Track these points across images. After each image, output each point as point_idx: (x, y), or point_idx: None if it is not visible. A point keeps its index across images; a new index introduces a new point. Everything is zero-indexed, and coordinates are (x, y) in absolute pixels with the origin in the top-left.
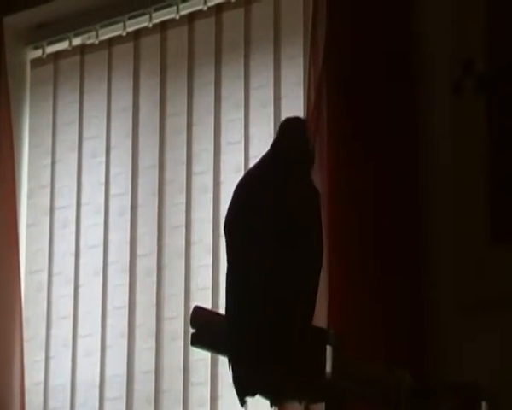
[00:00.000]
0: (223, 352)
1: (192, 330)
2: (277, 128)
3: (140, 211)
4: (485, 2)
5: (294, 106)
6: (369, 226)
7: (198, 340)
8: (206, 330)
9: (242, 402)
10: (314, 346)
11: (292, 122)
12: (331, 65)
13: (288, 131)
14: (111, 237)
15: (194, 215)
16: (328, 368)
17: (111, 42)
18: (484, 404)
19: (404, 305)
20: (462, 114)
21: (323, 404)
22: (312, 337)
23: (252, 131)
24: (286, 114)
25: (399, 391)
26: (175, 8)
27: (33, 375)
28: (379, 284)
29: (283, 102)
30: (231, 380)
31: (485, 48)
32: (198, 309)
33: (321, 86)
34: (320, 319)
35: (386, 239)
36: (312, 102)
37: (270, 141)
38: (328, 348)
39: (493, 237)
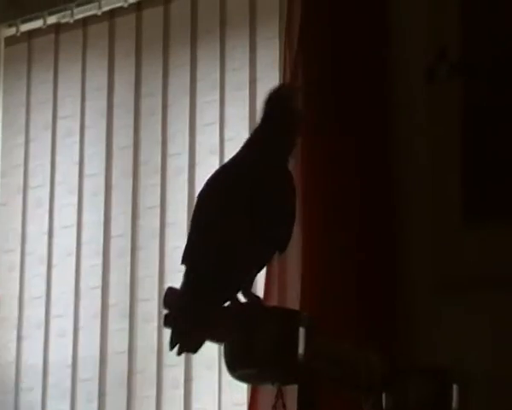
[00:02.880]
0: None
1: (165, 311)
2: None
3: (114, 192)
4: None
5: (270, 88)
6: (342, 209)
7: (171, 321)
8: None
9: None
10: (287, 328)
11: (274, 96)
12: (307, 47)
13: (269, 107)
14: (85, 217)
15: (169, 196)
16: (301, 350)
17: (86, 21)
18: (455, 387)
19: (378, 287)
20: (435, 101)
21: (296, 386)
22: (285, 319)
23: (227, 112)
24: (261, 96)
25: (371, 373)
26: None
27: (5, 354)
28: (352, 268)
29: (259, 85)
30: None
31: (458, 35)
32: (171, 290)
33: (296, 69)
34: (293, 301)
35: (360, 222)
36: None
37: (246, 123)
38: (301, 331)
39: (466, 219)
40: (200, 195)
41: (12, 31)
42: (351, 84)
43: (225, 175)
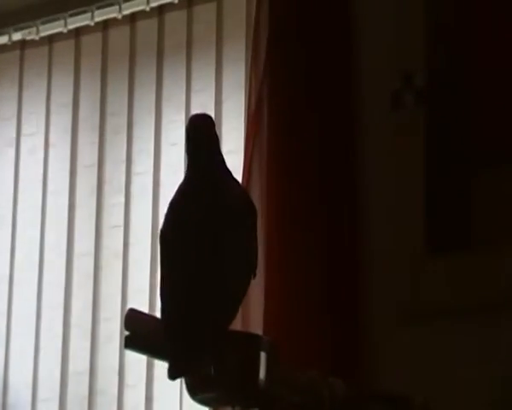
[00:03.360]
0: (156, 355)
1: (126, 333)
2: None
3: (78, 210)
4: (425, 15)
5: (235, 110)
6: (306, 234)
7: (132, 343)
8: (139, 332)
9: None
10: (248, 352)
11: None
12: (273, 69)
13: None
14: (47, 235)
15: (133, 216)
16: (262, 375)
17: (52, 38)
18: None
19: (340, 315)
20: (400, 127)
21: None
22: (246, 343)
23: None
24: (227, 117)
25: (333, 400)
26: (117, 7)
27: None
28: (314, 294)
29: (224, 106)
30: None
31: (424, 61)
32: (132, 312)
33: (262, 91)
34: (255, 326)
35: (322, 249)
36: (253, 107)
37: None
38: (263, 355)
39: (428, 248)
40: (167, 231)
41: None
42: (315, 110)
43: (193, 210)
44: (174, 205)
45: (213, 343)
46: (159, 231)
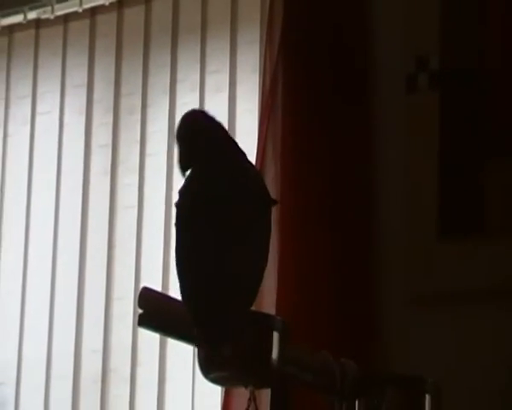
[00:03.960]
0: (170, 333)
1: (140, 311)
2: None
3: (92, 190)
4: None
5: (249, 91)
6: (320, 218)
7: (145, 321)
8: (153, 311)
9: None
10: (261, 332)
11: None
12: (287, 52)
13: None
14: (62, 213)
15: (147, 196)
16: (275, 355)
17: (67, 17)
18: (427, 397)
19: (353, 297)
20: (414, 111)
21: (269, 390)
22: (259, 323)
23: None
24: (241, 99)
25: (344, 380)
26: None
27: None
28: (328, 276)
29: (238, 88)
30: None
31: (438, 44)
32: (146, 290)
33: (276, 72)
34: (268, 306)
35: (336, 232)
36: (267, 89)
37: (225, 125)
38: (275, 335)
39: (441, 231)
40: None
41: None
42: (330, 90)
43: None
44: (195, 182)
45: (237, 322)
46: (174, 205)
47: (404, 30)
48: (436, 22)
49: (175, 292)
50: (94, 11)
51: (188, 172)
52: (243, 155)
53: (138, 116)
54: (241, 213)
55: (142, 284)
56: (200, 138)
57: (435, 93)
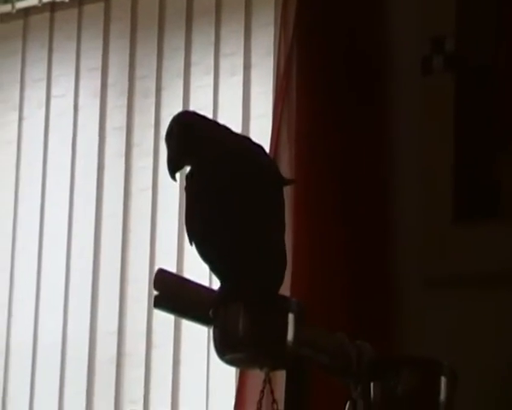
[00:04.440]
0: (185, 315)
1: (155, 293)
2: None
3: (106, 172)
4: None
5: (264, 74)
6: (335, 199)
7: (161, 302)
8: (169, 292)
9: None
10: (276, 313)
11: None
12: (302, 34)
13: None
14: (77, 196)
15: (161, 179)
16: (290, 336)
17: (81, 1)
18: (443, 379)
19: (369, 279)
20: (430, 92)
21: (284, 372)
22: (275, 304)
23: (221, 97)
24: (255, 82)
25: (360, 362)
26: None
27: None
28: (344, 257)
29: (253, 71)
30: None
31: (454, 25)
32: (161, 272)
33: (291, 56)
34: (282, 288)
35: (352, 213)
36: (282, 72)
37: (239, 108)
38: (291, 316)
39: (456, 215)
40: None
41: (7, 8)
42: (345, 74)
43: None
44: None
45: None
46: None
47: (421, 11)
48: (452, 4)
49: (190, 274)
50: None
51: (178, 173)
52: (249, 139)
53: (153, 99)
54: (261, 192)
55: (156, 267)
56: (197, 129)
57: (451, 75)
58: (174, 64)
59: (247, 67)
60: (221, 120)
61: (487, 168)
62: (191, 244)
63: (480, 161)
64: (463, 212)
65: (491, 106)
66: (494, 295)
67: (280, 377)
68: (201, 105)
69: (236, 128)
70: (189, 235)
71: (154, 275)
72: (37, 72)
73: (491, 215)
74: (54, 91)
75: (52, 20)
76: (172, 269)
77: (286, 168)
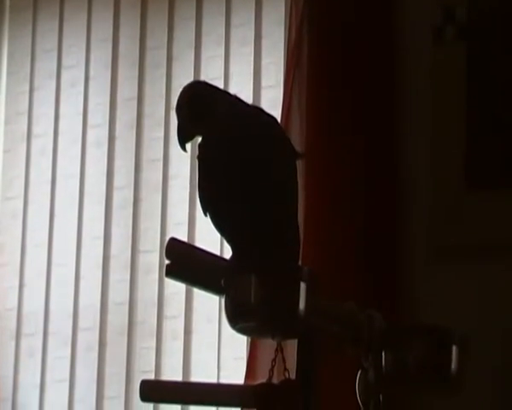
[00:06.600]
0: (197, 283)
1: (167, 262)
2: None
3: (117, 143)
4: None
5: (275, 45)
6: (345, 171)
7: (172, 271)
8: (180, 261)
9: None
10: (288, 282)
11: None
12: (312, 5)
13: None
14: (88, 167)
15: (172, 150)
16: (302, 305)
17: None
18: (454, 348)
19: (379, 248)
20: (441, 61)
21: (296, 341)
22: (287, 273)
23: (232, 68)
24: (266, 52)
25: (371, 331)
26: None
27: (7, 301)
28: (353, 227)
29: (264, 41)
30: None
31: None
32: (173, 241)
33: (302, 26)
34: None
35: (362, 185)
36: (293, 42)
37: (250, 78)
38: (302, 285)
39: (468, 183)
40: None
41: None
42: (356, 43)
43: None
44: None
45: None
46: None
47: None
48: None
49: (201, 244)
50: None
51: (189, 143)
52: (261, 109)
53: (164, 70)
54: (274, 164)
55: (167, 237)
56: (207, 99)
57: (462, 44)
58: (185, 35)
59: (257, 38)
60: (232, 90)
61: (500, 136)
62: (205, 215)
63: (492, 128)
64: (476, 182)
65: (504, 73)
66: (506, 265)
67: (291, 346)
68: (212, 75)
69: (247, 98)
70: (202, 205)
71: (165, 245)
72: (48, 42)
73: (504, 185)
74: (65, 62)
75: None
76: (184, 239)
77: (297, 137)
